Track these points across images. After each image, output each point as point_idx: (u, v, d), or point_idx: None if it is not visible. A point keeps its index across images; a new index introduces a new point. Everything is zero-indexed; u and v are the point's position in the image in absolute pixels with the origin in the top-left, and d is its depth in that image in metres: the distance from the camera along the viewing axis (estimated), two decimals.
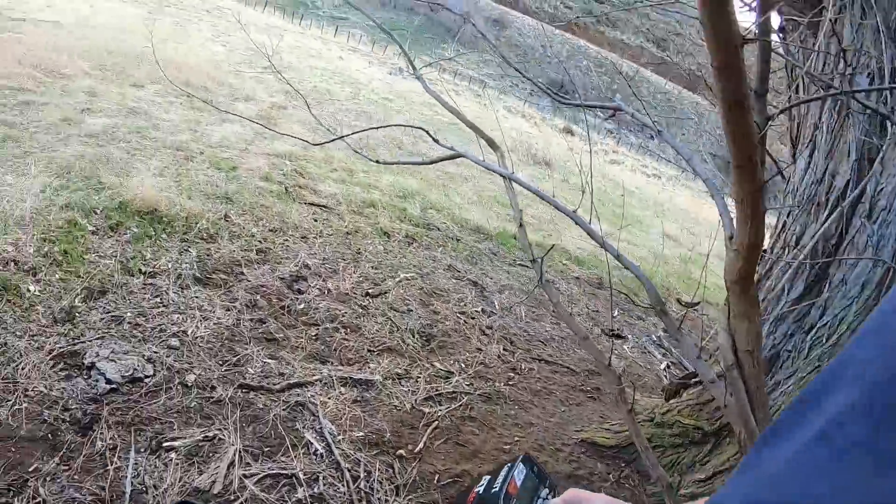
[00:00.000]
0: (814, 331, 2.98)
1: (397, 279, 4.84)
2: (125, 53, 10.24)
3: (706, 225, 14.04)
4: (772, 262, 3.27)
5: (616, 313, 6.12)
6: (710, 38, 1.23)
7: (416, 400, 3.52)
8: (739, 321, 1.90)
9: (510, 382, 4.07)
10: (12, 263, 3.53)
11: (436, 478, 3.00)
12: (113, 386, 2.91)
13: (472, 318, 4.72)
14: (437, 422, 3.39)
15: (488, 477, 1.07)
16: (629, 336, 5.55)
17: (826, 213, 2.87)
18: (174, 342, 3.35)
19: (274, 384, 3.27)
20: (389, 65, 31.87)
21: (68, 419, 2.66)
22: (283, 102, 10.88)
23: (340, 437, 3.04)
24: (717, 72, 1.26)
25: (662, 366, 5.19)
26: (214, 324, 3.62)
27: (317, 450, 2.93)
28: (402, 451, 3.08)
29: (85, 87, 7.89)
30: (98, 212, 4.44)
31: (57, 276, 3.59)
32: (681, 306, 6.56)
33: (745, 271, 1.82)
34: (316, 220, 5.61)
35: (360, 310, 4.29)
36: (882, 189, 2.72)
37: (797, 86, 3.66)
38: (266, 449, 2.83)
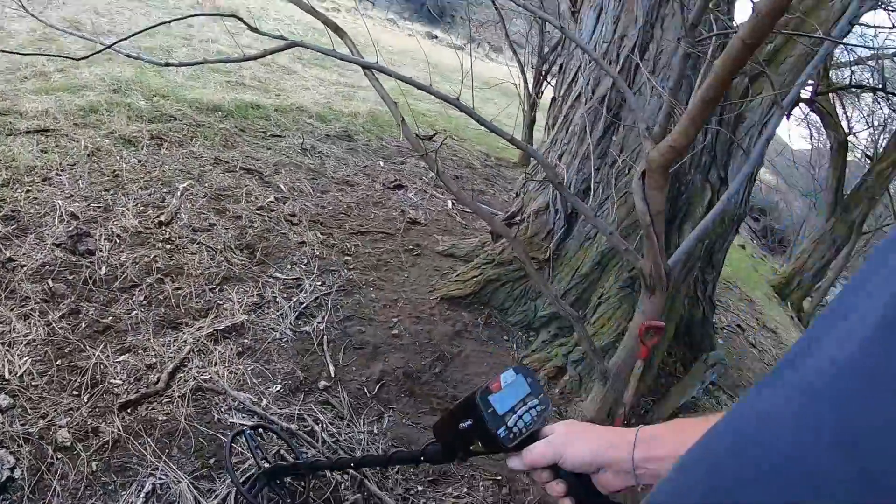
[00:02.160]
0: (616, 164, 3.69)
1: (178, 194, 4.39)
2: None
3: (399, 55, 14.25)
4: (567, 109, 3.81)
5: (382, 164, 6.39)
6: None
7: (290, 322, 3.57)
8: (655, 192, 2.43)
9: (350, 267, 4.28)
10: None
11: (365, 388, 3.27)
12: None
13: (272, 211, 4.64)
14: (325, 336, 3.54)
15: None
16: (409, 185, 5.92)
17: (618, 67, 3.42)
18: (2, 400, 2.56)
19: (153, 384, 2.86)
20: None
21: None
22: None
23: (265, 402, 2.99)
24: None
25: (449, 205, 5.75)
26: (27, 346, 2.83)
27: None
28: (323, 382, 3.24)
29: None
30: None
31: None
32: (420, 139, 7.03)
33: (670, 160, 2.34)
34: (46, 152, 4.48)
35: (166, 245, 3.87)
36: (663, 50, 3.33)
37: None
38: (212, 461, 2.61)
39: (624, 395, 3.21)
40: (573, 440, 0.95)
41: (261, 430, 2.75)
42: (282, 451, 2.75)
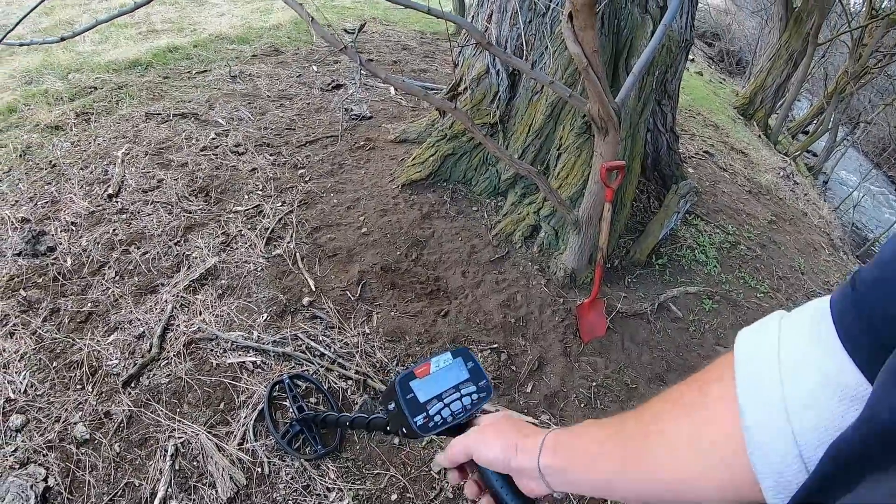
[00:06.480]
0: (549, 13, 3.55)
1: (118, 162, 4.20)
2: None
3: None
4: None
5: (316, 69, 6.16)
6: None
7: (261, 250, 3.53)
8: (586, 31, 2.35)
9: (306, 179, 4.21)
10: None
11: (348, 292, 3.28)
12: None
13: (216, 148, 4.49)
14: (297, 253, 3.51)
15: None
16: (347, 83, 5.73)
17: None
18: (16, 420, 2.54)
19: (147, 352, 2.84)
20: None
21: None
22: None
23: (255, 334, 3.01)
24: None
25: (392, 92, 5.58)
26: (21, 361, 2.77)
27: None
28: (306, 299, 3.24)
29: None
30: None
31: None
32: (347, 33, 6.77)
33: None
34: None
35: (122, 215, 3.72)
36: None
37: None
38: (221, 406, 2.69)
39: (599, 240, 3.22)
40: (487, 439, 0.89)
41: (297, 379, 2.83)
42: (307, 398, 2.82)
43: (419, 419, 0.96)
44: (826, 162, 12.18)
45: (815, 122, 12.29)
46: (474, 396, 1.00)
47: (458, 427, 0.99)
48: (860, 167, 14.69)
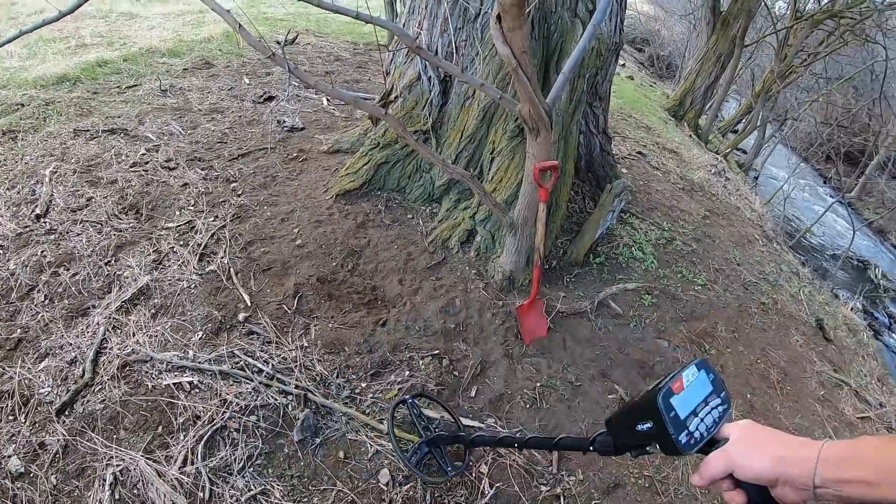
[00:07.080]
0: (479, 18, 3.58)
1: (46, 180, 4.01)
2: None
3: None
4: None
5: (247, 81, 6.07)
6: None
7: (194, 267, 3.45)
8: (514, 33, 2.37)
9: (238, 193, 4.16)
10: None
11: (284, 305, 3.23)
12: None
13: (147, 163, 4.37)
14: (231, 268, 3.44)
15: (666, 376, 1.05)
16: (279, 95, 5.66)
17: None
18: None
19: (80, 378, 2.73)
20: None
21: None
22: None
23: (191, 353, 2.92)
24: None
25: (325, 102, 5.54)
26: None
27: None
28: (242, 314, 3.17)
29: None
30: None
31: None
32: (279, 45, 6.70)
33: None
34: None
35: (50, 236, 3.57)
36: None
37: None
38: (160, 429, 2.57)
39: (535, 241, 3.25)
40: (748, 451, 0.91)
41: (421, 398, 2.83)
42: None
43: (683, 437, 0.96)
44: (756, 158, 12.62)
45: (743, 120, 12.74)
46: (720, 408, 1.01)
47: (708, 442, 0.99)
48: (789, 162, 15.27)
